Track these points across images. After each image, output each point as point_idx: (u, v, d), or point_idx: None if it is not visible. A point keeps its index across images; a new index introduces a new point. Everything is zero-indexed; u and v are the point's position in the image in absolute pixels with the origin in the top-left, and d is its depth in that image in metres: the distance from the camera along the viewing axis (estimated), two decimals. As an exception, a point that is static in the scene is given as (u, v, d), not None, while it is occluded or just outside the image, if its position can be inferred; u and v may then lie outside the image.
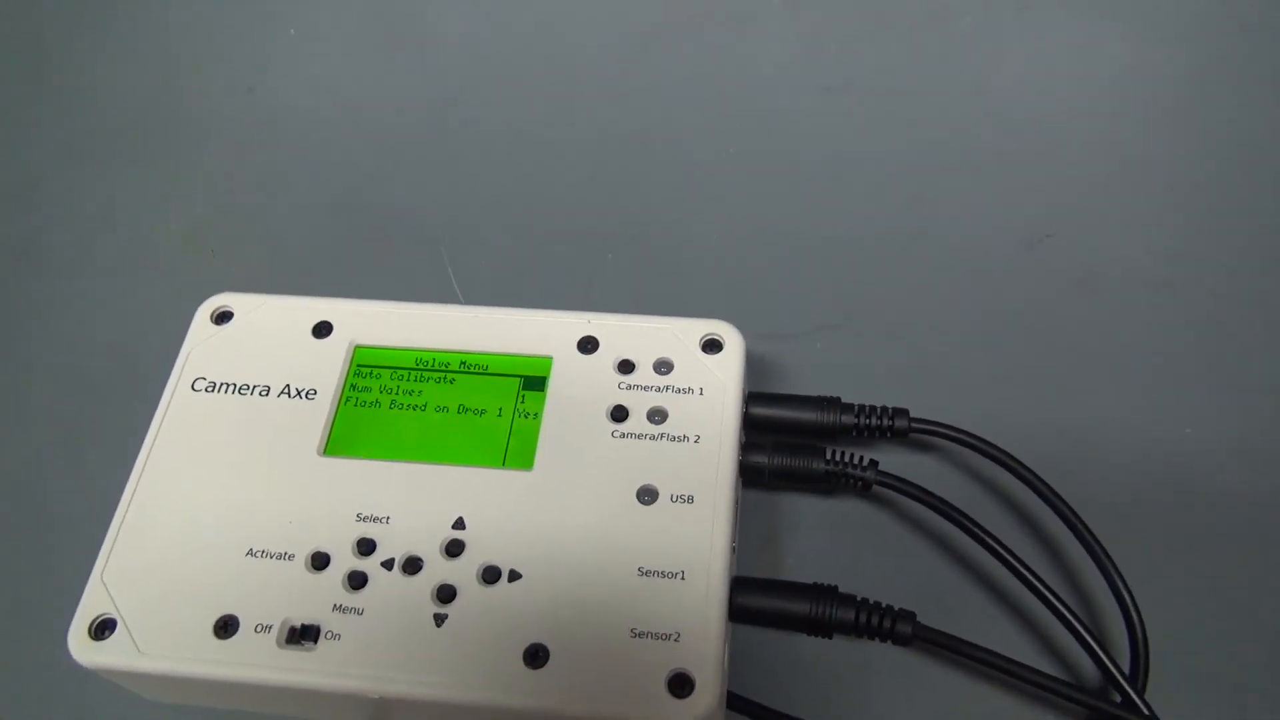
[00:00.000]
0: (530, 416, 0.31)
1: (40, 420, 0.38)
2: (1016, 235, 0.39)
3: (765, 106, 0.43)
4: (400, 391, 0.32)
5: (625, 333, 0.32)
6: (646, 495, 0.29)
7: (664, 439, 0.30)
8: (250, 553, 0.28)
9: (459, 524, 0.29)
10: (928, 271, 0.38)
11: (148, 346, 0.37)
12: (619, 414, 0.30)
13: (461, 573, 0.28)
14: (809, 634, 0.29)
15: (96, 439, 0.37)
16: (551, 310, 0.33)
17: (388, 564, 0.28)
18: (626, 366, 0.31)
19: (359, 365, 0.32)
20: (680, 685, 0.26)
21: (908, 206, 0.40)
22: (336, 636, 0.27)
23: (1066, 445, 0.34)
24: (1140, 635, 0.28)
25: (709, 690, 0.26)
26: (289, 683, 0.27)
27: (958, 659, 0.30)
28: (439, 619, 0.27)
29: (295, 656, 0.27)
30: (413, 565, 0.28)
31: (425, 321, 0.33)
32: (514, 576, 0.28)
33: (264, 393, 0.31)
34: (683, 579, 0.28)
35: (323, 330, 0.33)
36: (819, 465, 0.31)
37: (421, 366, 0.32)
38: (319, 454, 0.30)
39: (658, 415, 0.30)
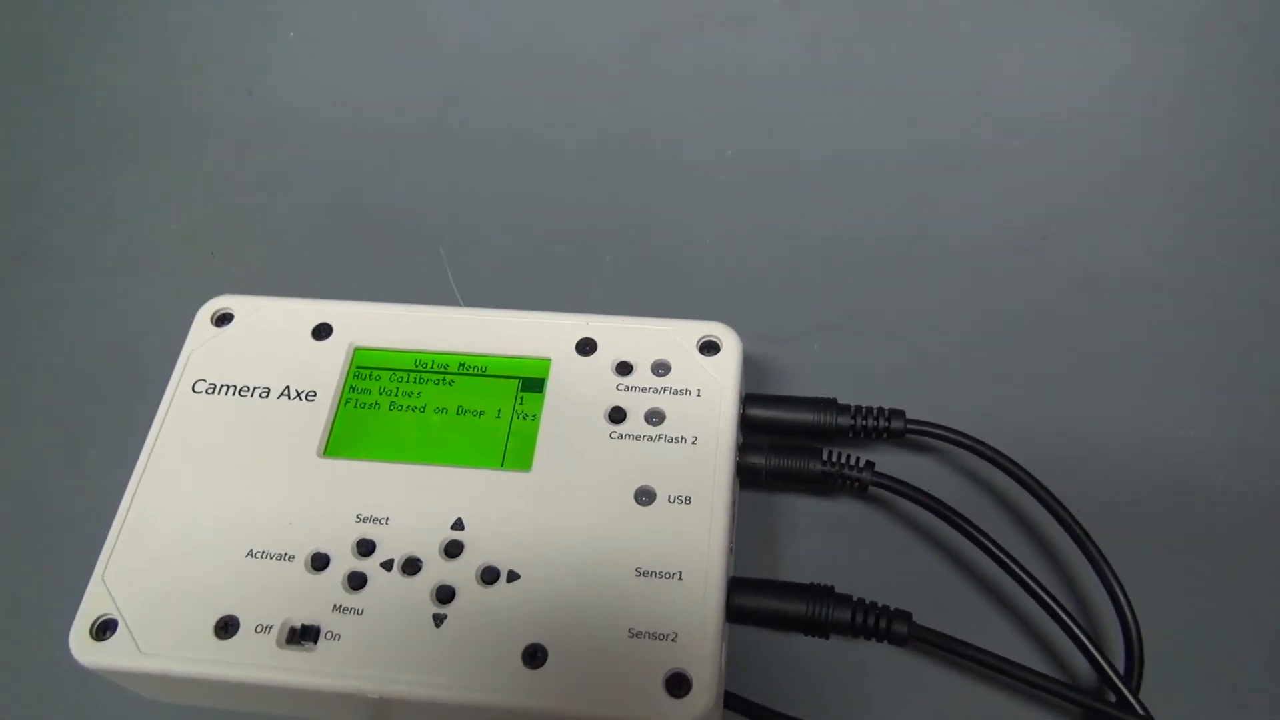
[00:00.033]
0: (529, 418, 0.31)
1: (41, 421, 0.38)
2: (1014, 236, 0.39)
3: (764, 107, 0.43)
4: (400, 393, 0.32)
5: (623, 334, 0.32)
6: (644, 496, 0.29)
7: (662, 440, 0.30)
8: (250, 553, 0.29)
9: (458, 525, 0.29)
10: (925, 273, 0.38)
11: (148, 347, 0.37)
12: (617, 415, 0.31)
13: (460, 573, 0.28)
14: (806, 634, 0.29)
15: (97, 440, 0.37)
16: (550, 312, 0.33)
17: (387, 565, 0.28)
18: (624, 368, 0.31)
19: (359, 367, 0.32)
20: (678, 685, 0.26)
21: (904, 208, 0.40)
22: (336, 637, 0.27)
23: (1063, 446, 0.34)
24: (1135, 635, 0.28)
25: (706, 690, 0.26)
26: (289, 683, 0.27)
27: (953, 659, 0.30)
28: (438, 619, 0.27)
29: (295, 657, 0.27)
30: (412, 566, 0.28)
31: (424, 323, 0.33)
32: (512, 577, 0.28)
33: (264, 394, 0.32)
34: (680, 579, 0.28)
35: (323, 332, 0.33)
36: (815, 466, 0.31)
37: (421, 368, 0.32)
38: (319, 455, 0.30)
39: (655, 417, 0.30)
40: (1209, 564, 0.32)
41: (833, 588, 0.29)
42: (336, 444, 0.31)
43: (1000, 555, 0.29)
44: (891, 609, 0.28)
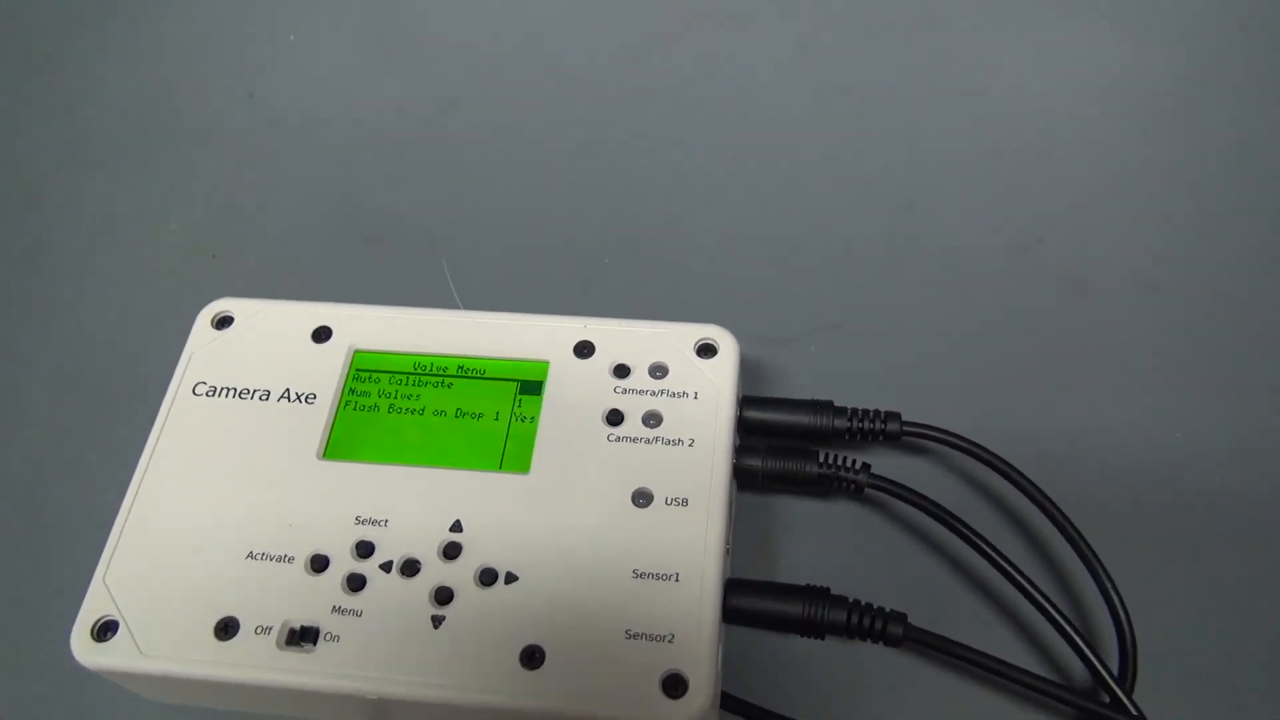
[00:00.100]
0: (527, 420, 0.31)
1: (43, 423, 0.38)
2: (1010, 239, 0.39)
3: (761, 111, 0.43)
4: (399, 396, 0.32)
5: (621, 337, 0.32)
6: (641, 498, 0.29)
7: (659, 443, 0.30)
8: (250, 555, 0.29)
9: (456, 527, 0.29)
10: (921, 275, 0.38)
11: (149, 350, 0.38)
12: (614, 418, 0.31)
13: (459, 575, 0.28)
14: (801, 635, 0.29)
15: (98, 442, 0.37)
16: (548, 315, 0.33)
17: (386, 566, 0.29)
18: (622, 371, 0.32)
19: (358, 370, 0.32)
20: (674, 686, 0.26)
21: (900, 211, 0.40)
22: (335, 638, 0.27)
23: (1058, 448, 0.34)
24: (1128, 636, 0.29)
25: (702, 691, 0.26)
26: (288, 684, 0.27)
27: (948, 660, 0.30)
28: (436, 620, 0.28)
29: (295, 658, 0.27)
30: (411, 567, 0.28)
31: (423, 326, 0.33)
32: (511, 578, 0.28)
33: (264, 397, 0.32)
34: (677, 581, 0.28)
35: (322, 335, 0.33)
36: (812, 468, 0.31)
37: (420, 371, 0.32)
38: (318, 457, 0.31)
39: (653, 419, 0.31)
40: (1204, 565, 0.32)
41: (828, 589, 0.29)
42: (336, 446, 0.31)
43: (995, 557, 0.29)
44: (887, 610, 0.29)
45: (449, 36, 0.47)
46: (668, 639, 0.27)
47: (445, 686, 0.27)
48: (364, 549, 0.29)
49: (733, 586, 0.29)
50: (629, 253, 0.40)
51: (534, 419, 0.31)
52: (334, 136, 0.45)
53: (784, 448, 0.32)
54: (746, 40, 0.45)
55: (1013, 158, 0.41)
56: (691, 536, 0.28)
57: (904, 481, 0.31)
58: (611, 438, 0.30)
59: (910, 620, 0.29)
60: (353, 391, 0.32)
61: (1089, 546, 0.30)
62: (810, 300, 0.38)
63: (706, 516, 0.29)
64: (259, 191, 0.44)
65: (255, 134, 0.45)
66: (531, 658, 0.27)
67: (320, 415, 0.31)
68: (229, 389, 0.32)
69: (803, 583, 0.29)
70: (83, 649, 0.28)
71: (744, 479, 0.32)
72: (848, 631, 0.28)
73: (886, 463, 0.33)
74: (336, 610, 0.28)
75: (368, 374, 0.32)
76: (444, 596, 0.28)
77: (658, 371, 0.32)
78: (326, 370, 0.32)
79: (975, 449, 0.31)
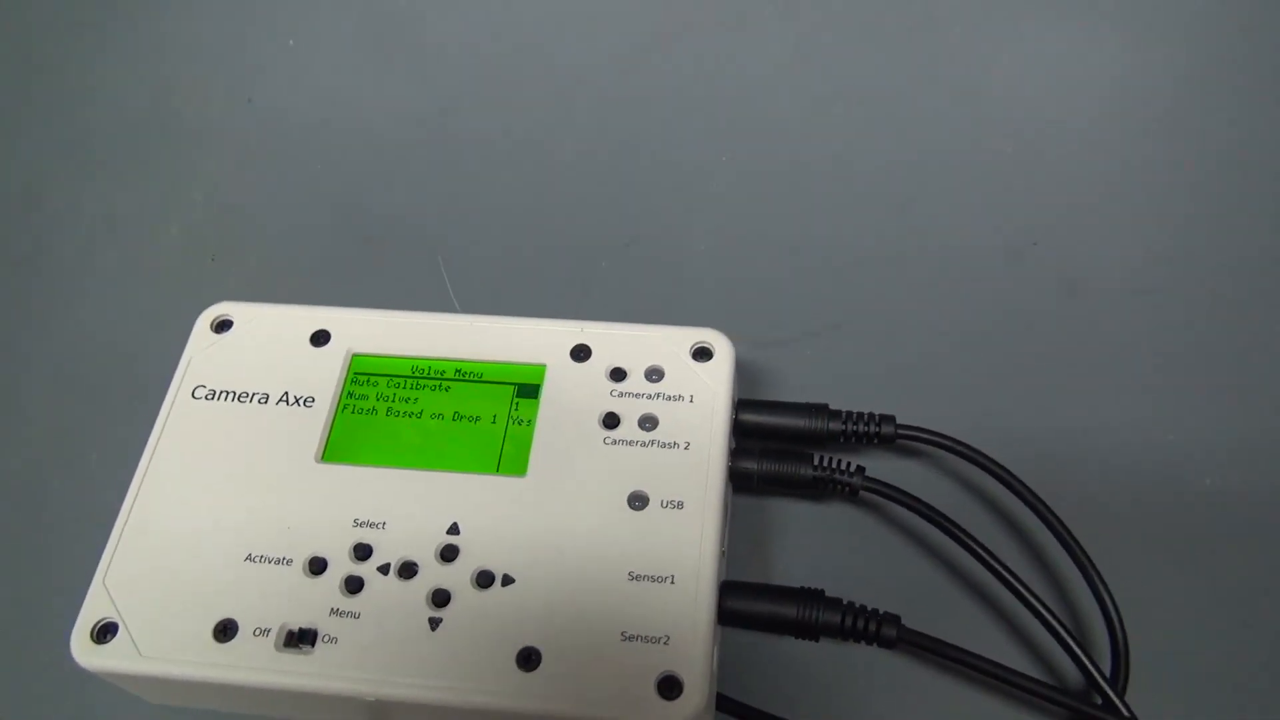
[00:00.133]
0: (524, 423, 0.31)
1: (44, 425, 0.38)
2: (1005, 241, 0.39)
3: (757, 114, 0.43)
4: (397, 399, 0.32)
5: (617, 341, 0.32)
6: (637, 501, 0.29)
7: (655, 446, 0.30)
8: (249, 558, 0.29)
9: (454, 529, 0.29)
10: (916, 278, 0.39)
11: (149, 352, 0.38)
12: (611, 421, 0.31)
13: (456, 577, 0.28)
14: (796, 637, 0.29)
15: (99, 444, 0.38)
16: (545, 319, 0.33)
17: (384, 569, 0.29)
18: (618, 374, 0.32)
19: (356, 373, 0.33)
20: (669, 687, 0.27)
21: (895, 214, 0.40)
22: (333, 640, 0.28)
23: (1053, 450, 0.34)
24: (1120, 637, 0.29)
25: (697, 692, 0.26)
26: (287, 685, 0.27)
27: (942, 661, 0.30)
28: (434, 623, 0.28)
29: (293, 660, 0.27)
30: (408, 570, 0.29)
31: (421, 330, 0.33)
32: (507, 581, 0.28)
33: (263, 400, 0.32)
34: (672, 583, 0.28)
35: (321, 339, 0.33)
36: (807, 471, 0.31)
37: (418, 374, 0.33)
38: (317, 460, 0.31)
39: (649, 422, 0.31)
40: (1200, 566, 0.32)
41: (823, 591, 0.29)
42: (334, 449, 0.31)
43: (988, 559, 0.30)
44: (881, 612, 0.29)
45: (447, 40, 0.47)
46: (663, 641, 0.27)
47: (442, 688, 0.27)
48: (362, 551, 0.29)
49: (728, 589, 0.29)
50: (625, 256, 0.40)
51: (531, 422, 0.31)
52: (333, 140, 0.45)
53: (779, 450, 0.32)
54: (744, 43, 0.45)
55: (1010, 159, 0.41)
56: (687, 539, 0.29)
57: (898, 484, 0.31)
58: (608, 441, 0.31)
59: (904, 622, 0.29)
60: (351, 395, 0.32)
61: (1081, 548, 0.30)
62: (805, 303, 0.38)
63: (702, 519, 0.29)
64: (258, 194, 0.44)
65: (255, 137, 0.45)
66: (528, 659, 0.27)
67: (319, 418, 0.32)
68: (228, 392, 0.32)
69: (798, 585, 0.30)
70: (82, 651, 0.28)
71: (740, 482, 0.32)
72: (842, 633, 0.29)
73: (881, 465, 0.34)
74: (335, 612, 0.28)
75: (366, 377, 0.33)
76: (441, 599, 0.28)
77: (654, 375, 0.32)
78: (325, 373, 0.32)
79: (969, 451, 0.32)
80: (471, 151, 0.44)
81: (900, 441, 0.32)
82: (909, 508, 0.31)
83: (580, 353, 0.32)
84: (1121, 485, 0.34)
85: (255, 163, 0.45)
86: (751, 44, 0.45)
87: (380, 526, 0.29)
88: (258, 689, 0.27)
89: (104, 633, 0.28)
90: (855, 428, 0.32)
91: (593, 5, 0.47)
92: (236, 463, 0.31)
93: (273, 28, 0.48)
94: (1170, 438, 0.35)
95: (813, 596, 0.29)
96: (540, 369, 0.32)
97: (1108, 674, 0.29)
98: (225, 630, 0.28)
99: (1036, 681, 0.28)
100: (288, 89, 0.47)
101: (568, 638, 0.27)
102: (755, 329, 0.37)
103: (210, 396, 0.32)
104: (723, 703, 0.29)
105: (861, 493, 0.31)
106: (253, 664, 0.27)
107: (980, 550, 0.30)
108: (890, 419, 0.32)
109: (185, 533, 0.29)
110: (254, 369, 0.33)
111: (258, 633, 0.28)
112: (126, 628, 0.28)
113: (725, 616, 0.29)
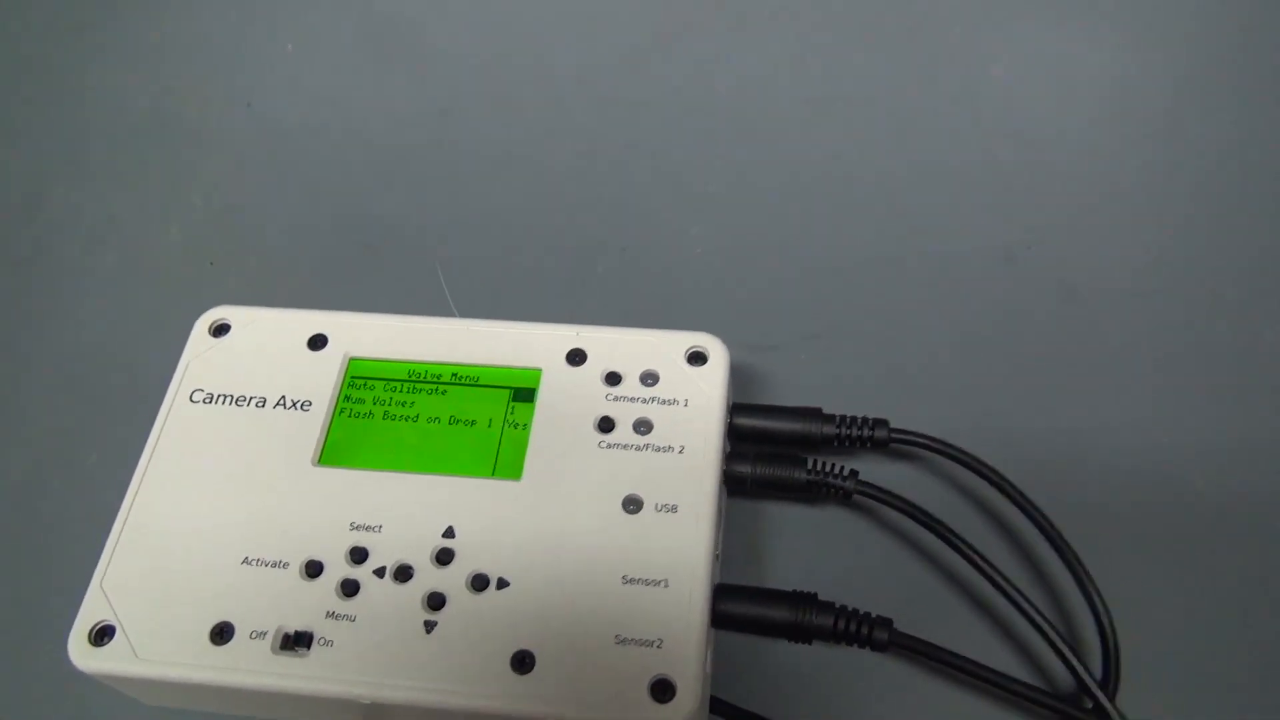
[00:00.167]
0: (519, 427, 0.31)
1: (43, 426, 0.39)
2: (1000, 245, 0.39)
3: (753, 118, 0.44)
4: (393, 402, 0.32)
5: (613, 345, 0.33)
6: (632, 505, 0.30)
7: (649, 449, 0.31)
8: (246, 561, 0.29)
9: (449, 532, 0.29)
10: (909, 281, 0.39)
11: (149, 355, 0.38)
12: (606, 425, 0.31)
13: (451, 580, 0.29)
14: (789, 640, 0.29)
15: (99, 445, 0.38)
16: (541, 323, 0.33)
17: (379, 572, 0.29)
18: (613, 378, 0.32)
19: (353, 377, 0.33)
20: (662, 690, 0.27)
21: (890, 217, 0.40)
22: (329, 643, 0.28)
23: (1046, 454, 0.34)
24: (1111, 641, 0.29)
25: (689, 695, 0.27)
26: (283, 688, 0.27)
27: (933, 665, 0.30)
28: (429, 626, 0.28)
29: (289, 663, 0.28)
30: (404, 573, 0.29)
31: (418, 334, 0.33)
32: (502, 584, 0.29)
33: (260, 404, 0.32)
34: (666, 586, 0.28)
35: (318, 343, 0.33)
36: (800, 475, 0.32)
37: (414, 378, 0.33)
38: (314, 464, 0.31)
39: (644, 426, 0.31)
40: (1194, 569, 0.32)
41: (815, 594, 0.29)
42: (331, 453, 0.31)
43: (980, 562, 0.30)
44: (873, 616, 0.29)
45: (446, 44, 0.47)
46: (656, 644, 0.27)
47: (436, 691, 0.27)
48: (358, 555, 0.29)
49: (721, 592, 0.29)
50: (621, 260, 0.40)
51: (526, 426, 0.31)
52: (331, 144, 0.45)
53: (773, 454, 0.32)
54: (741, 47, 0.45)
55: (1006, 160, 0.41)
56: (681, 543, 0.29)
57: (892, 487, 0.31)
58: (603, 445, 0.31)
59: (896, 625, 0.29)
60: (348, 398, 0.32)
61: (1072, 551, 0.30)
62: (800, 307, 0.38)
63: (695, 523, 0.29)
64: (257, 197, 0.44)
65: (254, 140, 0.46)
66: (522, 663, 0.27)
67: (316, 422, 0.32)
68: (225, 396, 0.32)
69: (791, 588, 0.30)
70: (80, 654, 0.28)
71: (734, 485, 0.32)
72: (834, 636, 0.29)
73: (875, 469, 0.34)
74: (330, 615, 0.28)
75: (363, 381, 0.33)
76: (436, 602, 0.28)
77: (649, 379, 0.32)
78: (322, 377, 0.33)
79: (961, 455, 0.32)
80: (469, 155, 0.44)
81: (894, 445, 0.33)
82: (902, 511, 0.31)
83: (576, 357, 0.32)
84: (1117, 488, 0.34)
85: (254, 166, 0.45)
86: (749, 47, 0.45)
87: (376, 530, 0.30)
88: (254, 691, 0.28)
89: (101, 635, 0.28)
90: (849, 431, 0.32)
91: (589, 10, 0.47)
92: (234, 466, 0.31)
93: (272, 34, 0.48)
94: (1166, 440, 0.35)
95: (805, 600, 0.29)
96: (536, 373, 0.32)
97: (1099, 677, 0.29)
98: (222, 633, 0.28)
99: (1027, 685, 0.29)
100: (287, 92, 0.47)
101: (562, 641, 0.28)
102: (750, 333, 0.37)
103: (208, 400, 0.32)
104: (716, 705, 0.29)
105: (855, 496, 0.32)
106: (249, 667, 0.27)
107: (972, 553, 0.30)
108: (884, 423, 0.32)
109: (183, 536, 0.30)
110: (251, 373, 0.33)
111: (254, 635, 0.28)
112: (124, 630, 0.28)
113: (718, 619, 0.29)
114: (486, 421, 0.32)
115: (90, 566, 0.29)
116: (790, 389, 0.36)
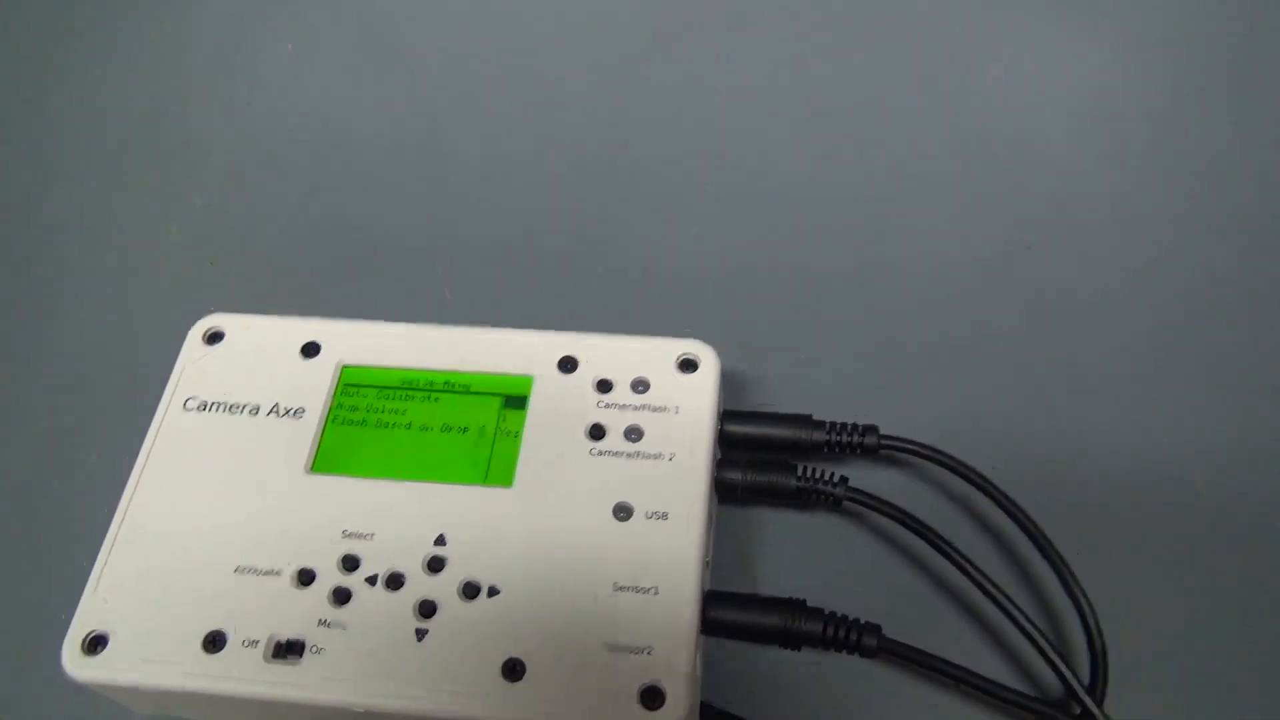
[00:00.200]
0: (511, 434, 0.32)
1: (42, 429, 0.39)
2: (990, 251, 0.39)
3: (744, 127, 0.44)
4: (386, 410, 0.32)
5: (604, 352, 0.33)
6: (622, 512, 0.30)
7: (640, 457, 0.31)
8: (239, 569, 0.29)
9: (440, 540, 0.30)
10: (901, 288, 0.39)
11: (149, 356, 0.38)
12: (597, 432, 0.31)
13: (442, 588, 0.29)
14: (779, 646, 0.30)
15: (97, 447, 0.38)
16: (533, 330, 0.33)
17: (371, 580, 0.29)
18: (605, 385, 0.32)
19: (346, 384, 0.33)
20: (652, 698, 0.27)
21: (882, 222, 0.40)
22: (320, 651, 0.28)
23: (1036, 460, 0.34)
24: (1099, 647, 0.29)
25: (679, 702, 0.27)
26: (275, 696, 0.27)
27: (922, 670, 0.30)
28: (420, 634, 0.28)
29: (281, 671, 0.28)
30: (395, 581, 0.29)
31: (411, 341, 0.33)
32: (493, 592, 0.29)
33: (253, 411, 0.32)
34: (656, 594, 0.28)
35: (311, 350, 0.33)
36: (790, 481, 0.32)
37: (407, 385, 0.33)
38: (306, 471, 0.31)
39: (634, 433, 0.31)
40: (1191, 570, 0.32)
41: (804, 601, 0.30)
42: (324, 460, 0.31)
43: (968, 568, 0.30)
44: (862, 622, 0.29)
45: (440, 57, 0.47)
46: (646, 651, 0.28)
47: (427, 699, 0.27)
48: (350, 563, 0.29)
49: (711, 599, 0.30)
50: (613, 268, 0.40)
51: (518, 433, 0.32)
52: (326, 153, 0.45)
53: (764, 461, 0.32)
54: (734, 56, 0.45)
55: (1006, 162, 0.41)
56: (670, 550, 0.29)
57: (882, 493, 0.32)
58: (594, 452, 0.31)
59: (886, 632, 0.29)
60: (340, 406, 0.32)
61: (1060, 556, 0.30)
62: (790, 313, 0.38)
63: (685, 530, 0.29)
64: (257, 199, 0.44)
65: (253, 142, 0.46)
66: (513, 670, 0.27)
67: (308, 429, 0.32)
68: (219, 404, 0.32)
69: (782, 594, 0.30)
70: (74, 662, 0.28)
71: (724, 492, 0.32)
72: (823, 643, 0.29)
73: (866, 475, 0.34)
74: (322, 623, 0.28)
75: (356, 388, 0.33)
76: (428, 610, 0.29)
77: (640, 386, 0.32)
78: (315, 385, 0.33)
79: (950, 461, 0.32)
80: (463, 164, 0.44)
81: (883, 451, 0.33)
82: (891, 517, 0.31)
83: (567, 364, 0.33)
84: (1116, 488, 0.34)
85: (254, 166, 0.45)
86: (742, 57, 0.46)
87: (368, 537, 0.30)
88: (246, 700, 0.28)
89: (95, 644, 0.28)
90: (839, 438, 0.33)
91: (584, 23, 0.47)
92: (227, 474, 0.31)
93: (270, 38, 0.48)
94: (1158, 443, 0.35)
95: (794, 606, 0.29)
96: (528, 380, 0.32)
97: (1087, 683, 0.29)
98: (214, 641, 0.28)
99: (1015, 691, 0.29)
100: (283, 101, 0.47)
101: (552, 648, 0.28)
102: (739, 340, 0.37)
103: (201, 408, 0.32)
104: (706, 712, 0.29)
105: (845, 503, 0.32)
106: (241, 675, 0.28)
107: (960, 559, 0.30)
108: (873, 429, 0.33)
109: (176, 544, 0.30)
110: (245, 380, 0.33)
111: (246, 644, 0.28)
112: (117, 639, 0.28)
113: (708, 626, 0.29)
114: (478, 429, 0.32)
115: (90, 567, 0.30)
116: (781, 395, 0.36)
